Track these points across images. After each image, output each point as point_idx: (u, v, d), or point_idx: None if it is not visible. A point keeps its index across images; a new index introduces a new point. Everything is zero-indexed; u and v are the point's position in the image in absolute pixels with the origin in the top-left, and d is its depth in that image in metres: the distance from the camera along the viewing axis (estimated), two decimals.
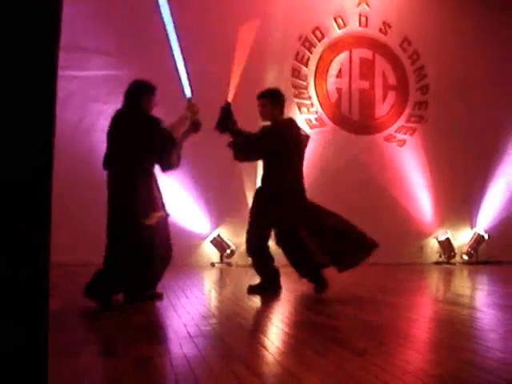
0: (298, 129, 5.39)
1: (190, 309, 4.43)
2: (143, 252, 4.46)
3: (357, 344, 3.14)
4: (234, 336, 3.38)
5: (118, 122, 4.62)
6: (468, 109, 9.09)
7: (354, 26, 9.14)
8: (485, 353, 3.05)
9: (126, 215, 4.44)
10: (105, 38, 8.03)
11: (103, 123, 8.43)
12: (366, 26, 9.18)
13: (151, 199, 4.58)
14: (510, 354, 3.03)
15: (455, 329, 3.73)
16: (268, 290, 5.18)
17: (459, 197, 8.95)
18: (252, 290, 5.23)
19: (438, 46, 9.32)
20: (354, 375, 2.51)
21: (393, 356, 2.95)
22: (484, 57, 9.31)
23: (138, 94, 4.67)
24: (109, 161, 4.57)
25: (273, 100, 5.26)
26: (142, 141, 4.54)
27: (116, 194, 4.48)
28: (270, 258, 5.28)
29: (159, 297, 4.69)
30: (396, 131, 9.18)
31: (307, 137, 5.54)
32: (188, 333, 3.39)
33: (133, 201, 4.43)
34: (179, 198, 8.19)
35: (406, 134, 9.22)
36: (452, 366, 2.73)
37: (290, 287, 6.20)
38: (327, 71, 9.00)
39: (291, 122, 5.37)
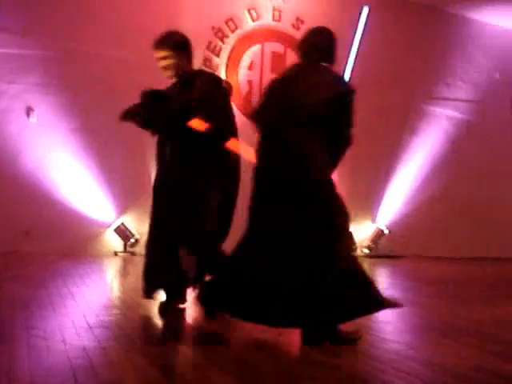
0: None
1: (90, 298, 4.32)
2: None
3: (258, 335, 3.17)
4: (135, 327, 3.32)
5: None
6: (372, 107, 9.37)
7: (267, 19, 9.18)
8: (380, 344, 3.17)
9: None
10: (7, 15, 7.63)
11: (5, 104, 8.14)
12: (280, 20, 9.25)
13: None
14: (404, 345, 3.16)
15: (354, 321, 3.85)
16: None
17: (361, 191, 9.22)
18: None
19: (349, 44, 9.53)
20: (255, 365, 2.54)
21: (291, 346, 3.00)
22: (393, 57, 9.61)
23: None
24: None
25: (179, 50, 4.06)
26: None
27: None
28: None
29: None
30: None
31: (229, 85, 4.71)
32: (87, 323, 3.30)
33: None
34: (82, 185, 7.96)
35: None
36: (348, 356, 2.81)
37: None
38: (239, 63, 9.00)
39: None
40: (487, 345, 3.19)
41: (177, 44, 4.03)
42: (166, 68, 3.99)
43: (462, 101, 10.25)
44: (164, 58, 3.95)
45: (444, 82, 10.14)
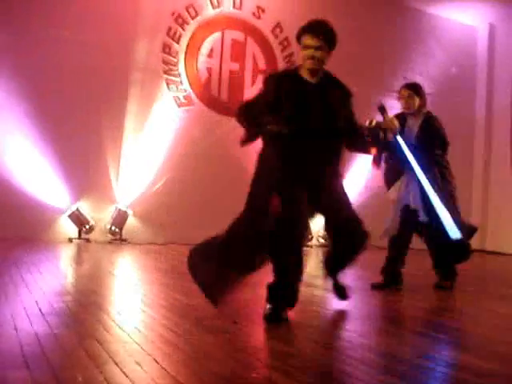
0: None
1: (42, 285, 4.25)
2: None
3: (211, 322, 3.18)
4: (89, 314, 3.29)
5: None
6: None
7: (228, 6, 9.13)
8: (334, 332, 3.22)
9: None
10: None
11: None
12: (240, 8, 9.21)
13: None
14: (356, 333, 3.22)
15: (307, 309, 3.90)
16: None
17: None
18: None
19: None
20: (208, 352, 2.55)
21: (247, 334, 3.03)
22: (351, 51, 9.69)
23: None
24: None
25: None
26: None
27: None
28: None
29: None
30: None
31: None
32: (40, 310, 3.25)
33: None
34: (37, 170, 7.80)
35: None
36: (301, 344, 2.85)
37: (148, 263, 6.16)
38: (199, 50, 8.93)
39: None
40: (435, 333, 3.28)
41: (333, 39, 3.59)
42: (316, 60, 3.48)
43: None
44: (318, 48, 3.45)
45: (402, 76, 10.27)
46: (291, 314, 3.37)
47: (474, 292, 4.97)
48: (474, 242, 9.34)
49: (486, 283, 5.98)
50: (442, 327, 3.50)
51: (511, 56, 10.31)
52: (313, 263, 7.85)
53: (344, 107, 3.58)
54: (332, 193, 3.52)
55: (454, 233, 4.55)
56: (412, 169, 4.69)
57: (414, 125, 4.94)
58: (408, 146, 4.68)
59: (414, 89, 5.04)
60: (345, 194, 3.62)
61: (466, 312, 4.28)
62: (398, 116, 4.82)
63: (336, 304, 4.14)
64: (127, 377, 2.12)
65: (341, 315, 3.85)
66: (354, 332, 3.26)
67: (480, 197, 10.42)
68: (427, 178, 4.64)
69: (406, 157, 4.67)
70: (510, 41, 10.44)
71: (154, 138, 8.48)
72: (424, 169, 4.66)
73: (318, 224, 9.38)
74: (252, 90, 9.23)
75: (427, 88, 10.39)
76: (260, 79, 9.27)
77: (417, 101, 4.96)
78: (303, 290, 4.84)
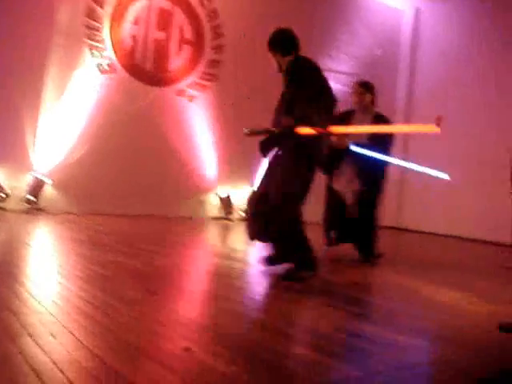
0: None
1: None
2: None
3: (127, 293, 3.18)
4: (4, 285, 3.21)
5: None
6: (261, 71, 9.45)
7: None
8: (250, 304, 3.29)
9: None
10: None
11: None
12: None
13: None
14: (272, 305, 3.31)
15: (225, 281, 3.96)
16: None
17: (241, 156, 9.36)
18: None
19: (238, 8, 9.52)
20: (125, 324, 2.56)
21: (164, 306, 3.05)
22: (280, 24, 9.70)
23: None
24: None
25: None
26: None
27: None
28: None
29: None
30: (188, 86, 9.26)
31: None
32: None
33: None
34: None
35: (197, 90, 9.34)
36: (219, 316, 2.90)
37: (65, 234, 6.04)
38: (124, 16, 8.71)
39: None
40: (347, 306, 3.41)
41: (278, 44, 4.50)
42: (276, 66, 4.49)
43: (343, 73, 10.58)
44: (273, 56, 4.48)
45: (328, 54, 10.41)
46: (211, 286, 3.42)
47: (384, 267, 5.19)
48: (390, 220, 9.75)
49: (396, 259, 6.24)
50: (355, 300, 3.65)
51: (434, 41, 10.63)
52: (233, 237, 7.94)
53: None
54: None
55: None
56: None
57: (362, 121, 5.33)
58: (362, 147, 5.13)
59: (366, 86, 5.49)
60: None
61: (378, 286, 4.48)
62: (348, 112, 5.39)
63: (255, 277, 4.22)
64: (42, 349, 2.10)
65: (258, 288, 3.94)
66: (270, 305, 3.35)
67: (398, 178, 10.78)
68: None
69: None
70: (434, 26, 10.74)
71: (75, 106, 8.24)
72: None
73: (239, 199, 9.47)
74: (177, 60, 9.11)
75: (351, 68, 10.64)
76: (186, 49, 9.17)
77: (368, 98, 5.43)
78: (223, 262, 4.92)
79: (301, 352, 2.38)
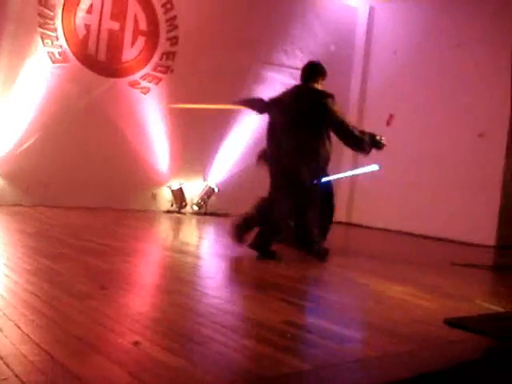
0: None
1: None
2: None
3: (76, 287, 3.13)
4: None
5: None
6: (215, 65, 9.42)
7: None
8: (201, 298, 3.29)
9: None
10: None
11: None
12: None
13: None
14: (223, 300, 3.31)
15: (177, 275, 3.94)
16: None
17: (194, 150, 9.30)
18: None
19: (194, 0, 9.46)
20: (73, 318, 2.52)
21: (113, 300, 3.02)
22: (236, 18, 9.70)
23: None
24: None
25: None
26: None
27: None
28: None
29: None
30: (141, 78, 9.14)
31: None
32: None
33: None
34: None
35: (151, 82, 9.22)
36: (169, 310, 2.89)
37: (13, 226, 5.91)
38: (77, 5, 8.51)
39: None
40: (298, 300, 3.45)
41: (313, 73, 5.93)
42: None
43: (297, 69, 10.58)
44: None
45: (282, 49, 10.44)
46: (162, 281, 3.39)
47: (335, 262, 5.24)
48: (342, 216, 9.87)
49: (348, 254, 6.33)
50: (305, 294, 3.69)
51: (388, 39, 10.76)
52: (185, 231, 7.91)
53: None
54: None
55: None
56: None
57: None
58: None
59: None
60: None
61: (328, 281, 4.53)
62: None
63: (206, 271, 4.22)
64: None
65: (209, 282, 3.94)
66: (219, 298, 3.35)
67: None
68: None
69: None
70: (388, 25, 10.88)
71: (25, 95, 8.03)
72: None
73: (192, 192, 9.43)
74: (131, 51, 9.00)
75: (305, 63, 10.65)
76: (141, 40, 9.06)
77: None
78: (174, 255, 4.89)
79: (251, 346, 2.39)
